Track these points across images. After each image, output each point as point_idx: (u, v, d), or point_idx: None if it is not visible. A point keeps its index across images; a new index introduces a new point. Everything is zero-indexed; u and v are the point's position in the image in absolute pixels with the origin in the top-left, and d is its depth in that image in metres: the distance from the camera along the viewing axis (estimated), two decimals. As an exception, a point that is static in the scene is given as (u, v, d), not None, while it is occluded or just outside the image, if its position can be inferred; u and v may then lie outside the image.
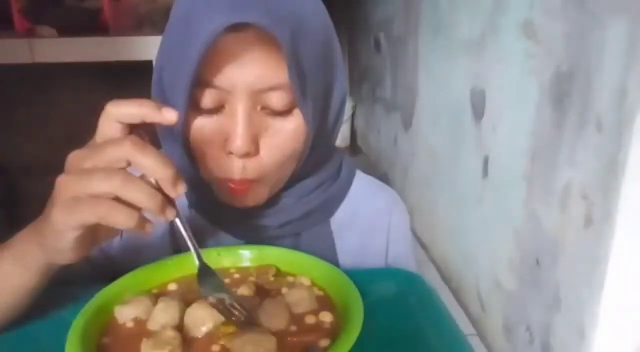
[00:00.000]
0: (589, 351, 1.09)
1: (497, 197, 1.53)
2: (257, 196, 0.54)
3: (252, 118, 0.49)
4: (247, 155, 0.50)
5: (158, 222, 0.60)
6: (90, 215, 0.38)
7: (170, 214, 0.41)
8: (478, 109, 1.64)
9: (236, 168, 0.51)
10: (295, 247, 0.59)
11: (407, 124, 2.44)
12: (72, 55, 1.65)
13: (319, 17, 0.52)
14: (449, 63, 1.89)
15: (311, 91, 0.50)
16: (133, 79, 1.77)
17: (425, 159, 2.22)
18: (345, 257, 0.63)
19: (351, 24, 3.48)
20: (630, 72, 0.96)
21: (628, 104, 0.96)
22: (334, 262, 0.61)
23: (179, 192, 0.40)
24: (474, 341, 1.62)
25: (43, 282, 0.47)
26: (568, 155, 1.15)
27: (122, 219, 0.38)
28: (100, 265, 0.60)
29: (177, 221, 0.43)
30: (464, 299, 1.80)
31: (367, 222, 0.64)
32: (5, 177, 1.88)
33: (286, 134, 0.51)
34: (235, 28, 0.46)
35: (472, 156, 1.68)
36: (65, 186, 0.39)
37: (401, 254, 0.67)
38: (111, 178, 0.38)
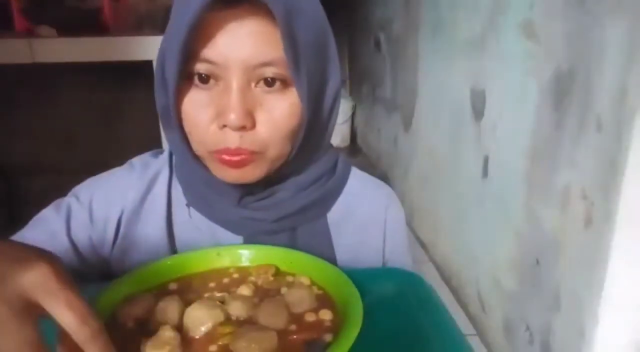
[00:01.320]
0: (589, 351, 1.09)
1: (497, 197, 1.53)
2: (254, 172, 0.54)
3: (246, 93, 0.50)
4: (242, 128, 0.50)
5: (154, 221, 0.60)
6: None
7: None
8: (478, 109, 1.64)
9: (232, 138, 0.51)
10: (292, 241, 0.60)
11: (407, 124, 2.44)
12: (72, 55, 1.65)
13: (313, 2, 0.53)
14: (449, 63, 1.89)
15: (305, 69, 0.50)
16: (133, 79, 1.78)
17: (425, 159, 2.22)
18: (343, 252, 0.63)
19: (351, 24, 3.48)
20: (630, 72, 0.96)
21: (628, 104, 0.96)
22: (332, 257, 0.62)
23: None
24: (474, 341, 1.62)
25: None
26: (568, 155, 1.15)
27: None
28: (94, 266, 0.60)
29: None
30: (464, 299, 1.80)
31: (363, 217, 0.65)
32: (5, 177, 1.88)
33: (281, 110, 0.52)
34: (230, 3, 0.47)
35: (472, 156, 1.68)
36: None
37: (398, 249, 0.67)
38: None
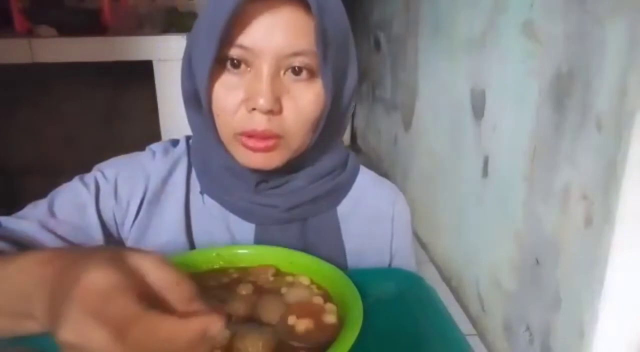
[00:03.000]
0: (589, 351, 1.09)
1: (497, 197, 1.53)
2: (277, 158, 0.56)
3: (275, 80, 0.52)
4: (270, 112, 0.52)
5: (173, 206, 0.61)
6: None
7: None
8: (478, 109, 1.64)
9: (259, 121, 0.53)
10: (303, 232, 0.61)
11: (407, 124, 2.44)
12: (72, 55, 1.65)
13: (340, 6, 0.56)
14: (449, 63, 1.89)
15: (331, 62, 0.53)
16: (133, 79, 1.77)
17: (425, 159, 2.22)
18: (351, 241, 0.64)
19: (351, 24, 3.48)
20: (630, 72, 0.96)
21: (628, 104, 0.96)
22: (341, 249, 0.63)
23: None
24: (474, 341, 1.62)
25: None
26: (568, 155, 1.15)
27: None
28: (113, 244, 0.60)
29: None
30: (464, 299, 1.80)
31: (371, 210, 0.67)
32: (5, 177, 1.88)
33: (307, 99, 0.54)
34: None
35: (472, 156, 1.68)
36: None
37: (403, 251, 0.68)
38: None
